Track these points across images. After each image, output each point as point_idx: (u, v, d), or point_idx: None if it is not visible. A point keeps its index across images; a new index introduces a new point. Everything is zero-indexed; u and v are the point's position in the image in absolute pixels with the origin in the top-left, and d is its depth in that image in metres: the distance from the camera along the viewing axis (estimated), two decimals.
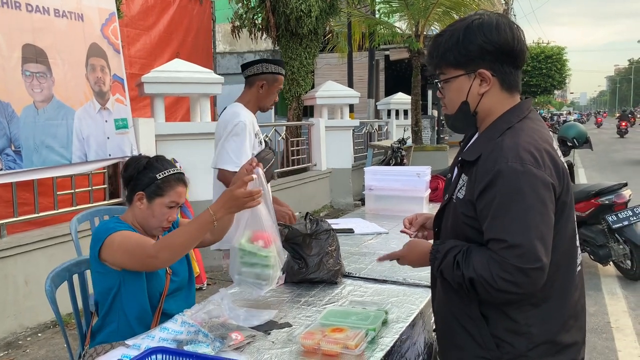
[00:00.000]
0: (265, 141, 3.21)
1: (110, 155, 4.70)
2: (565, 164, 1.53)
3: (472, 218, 1.49)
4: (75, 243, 3.29)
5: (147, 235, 2.15)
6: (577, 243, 1.58)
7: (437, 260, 1.54)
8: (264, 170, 3.03)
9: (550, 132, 1.60)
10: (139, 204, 2.10)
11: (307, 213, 2.45)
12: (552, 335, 1.50)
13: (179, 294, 2.17)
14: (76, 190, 4.65)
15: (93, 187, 4.83)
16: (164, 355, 1.45)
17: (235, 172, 2.85)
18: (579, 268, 1.58)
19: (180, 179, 2.15)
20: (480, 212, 1.46)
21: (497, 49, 1.48)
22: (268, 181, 3.10)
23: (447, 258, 1.50)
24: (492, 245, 1.41)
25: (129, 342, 1.74)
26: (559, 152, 1.56)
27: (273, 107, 3.21)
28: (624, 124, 27.08)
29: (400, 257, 1.74)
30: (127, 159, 2.21)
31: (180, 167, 5.34)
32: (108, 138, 4.68)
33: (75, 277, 2.38)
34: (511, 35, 1.49)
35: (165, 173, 2.10)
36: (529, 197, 1.38)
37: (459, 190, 1.54)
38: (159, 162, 2.16)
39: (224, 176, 2.96)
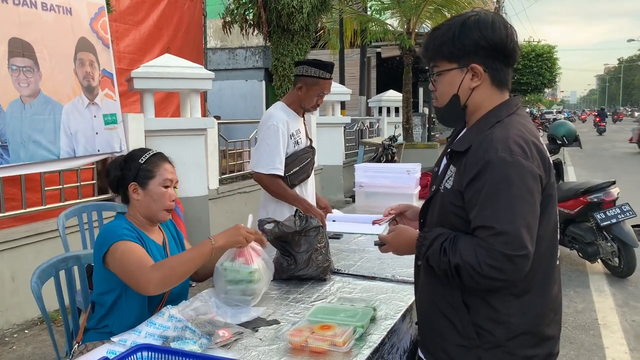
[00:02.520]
0: (310, 139, 3.26)
1: (99, 150, 4.65)
2: (551, 159, 1.56)
3: (459, 207, 1.53)
4: (62, 239, 3.26)
5: (155, 223, 2.17)
6: (558, 237, 1.62)
7: (424, 247, 1.57)
8: (299, 167, 3.12)
9: (540, 130, 1.63)
10: (135, 195, 2.10)
11: (296, 210, 2.44)
12: (531, 327, 1.54)
13: (179, 299, 2.16)
14: (64, 185, 4.62)
15: (81, 183, 4.79)
16: (150, 353, 1.44)
17: (269, 175, 3.01)
18: (557, 262, 1.63)
19: (163, 157, 2.18)
20: (468, 201, 1.49)
21: (491, 46, 1.53)
22: (303, 179, 3.18)
23: (434, 245, 1.54)
24: (480, 233, 1.45)
25: (115, 338, 1.73)
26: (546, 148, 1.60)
27: (316, 109, 3.24)
28: (598, 119, 33.11)
29: (386, 243, 1.75)
30: (107, 168, 2.20)
31: None
32: (97, 133, 4.63)
33: (62, 274, 2.36)
34: (505, 33, 1.54)
35: (147, 155, 2.13)
36: (517, 186, 1.43)
37: (446, 181, 1.59)
38: (136, 152, 2.18)
39: (259, 178, 3.07)
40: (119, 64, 5.12)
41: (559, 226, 1.64)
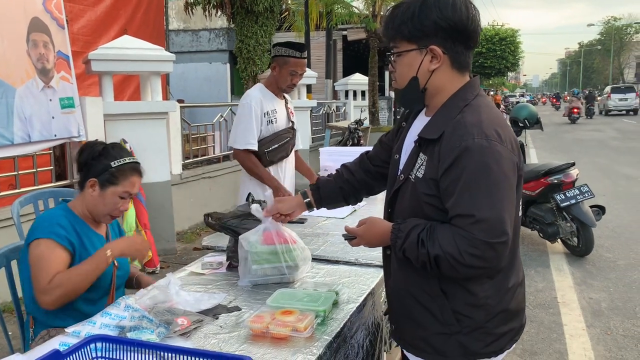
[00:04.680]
0: (292, 121, 3.42)
1: (55, 135, 4.49)
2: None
3: (433, 197, 1.49)
4: (17, 227, 3.15)
5: (96, 221, 2.11)
6: (520, 215, 1.63)
7: (400, 240, 1.52)
8: (278, 145, 3.27)
9: (503, 113, 1.62)
10: (90, 190, 2.04)
11: (249, 194, 2.41)
12: (505, 304, 1.56)
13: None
14: (19, 172, 4.45)
15: (38, 169, 4.63)
16: (104, 344, 1.39)
17: (244, 150, 3.19)
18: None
19: (135, 168, 2.10)
20: (444, 190, 1.45)
21: (451, 27, 1.48)
22: (282, 157, 3.37)
23: (410, 237, 1.49)
24: (459, 221, 1.42)
25: (69, 329, 1.67)
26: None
27: (293, 88, 3.37)
28: (554, 100, 45.24)
29: (356, 237, 1.69)
30: (83, 143, 2.13)
31: (130, 148, 5.21)
32: (53, 118, 4.46)
33: (14, 263, 2.27)
34: (466, 14, 1.49)
35: (120, 161, 2.04)
36: (496, 172, 1.41)
37: (417, 170, 1.53)
38: (115, 149, 2.10)
39: (236, 154, 3.30)
40: (72, 46, 4.90)
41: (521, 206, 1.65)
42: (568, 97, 40.47)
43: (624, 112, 30.95)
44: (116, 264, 2.13)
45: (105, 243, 2.11)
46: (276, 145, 3.29)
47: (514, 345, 1.63)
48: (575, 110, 25.70)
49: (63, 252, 1.95)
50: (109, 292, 2.07)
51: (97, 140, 2.14)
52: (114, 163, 2.03)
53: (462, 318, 1.52)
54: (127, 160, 2.07)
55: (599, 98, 33.85)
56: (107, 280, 2.08)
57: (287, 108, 3.42)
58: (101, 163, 2.03)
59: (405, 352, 1.70)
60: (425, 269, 1.49)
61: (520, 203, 1.61)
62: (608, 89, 33.15)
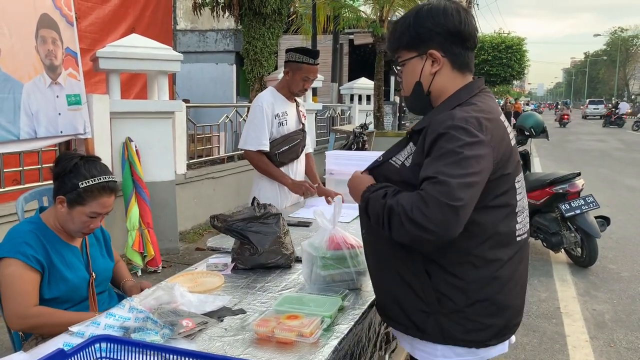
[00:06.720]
0: (302, 123, 3.51)
1: (62, 132, 4.48)
2: (519, 150, 1.58)
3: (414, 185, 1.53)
4: None
5: (68, 235, 2.07)
6: (521, 216, 1.65)
7: (368, 192, 1.60)
8: (288, 147, 3.36)
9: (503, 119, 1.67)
10: (60, 206, 2.01)
11: (253, 198, 2.40)
12: (490, 294, 1.59)
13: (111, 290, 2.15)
14: (25, 167, 4.45)
15: (43, 165, 4.63)
16: (109, 344, 1.38)
17: (256, 151, 3.27)
18: (524, 236, 1.67)
19: (105, 188, 2.02)
20: (422, 167, 1.51)
21: (445, 31, 1.60)
22: (292, 158, 3.46)
23: (379, 191, 1.57)
24: (423, 185, 1.45)
25: (73, 328, 1.66)
26: (511, 135, 1.64)
27: (305, 92, 3.44)
28: (554, 108, 44.89)
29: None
30: (59, 155, 2.07)
31: (135, 147, 5.20)
32: (59, 114, 4.45)
33: None
34: (458, 18, 1.60)
35: (88, 182, 1.98)
36: (467, 150, 1.44)
37: (406, 158, 1.61)
38: (87, 167, 2.02)
39: (247, 155, 3.37)
40: (80, 43, 4.90)
41: (525, 209, 1.68)
42: (559, 106, 48.45)
43: (597, 117, 42.91)
44: (93, 275, 2.11)
45: (80, 254, 2.11)
46: (286, 147, 3.37)
47: (500, 347, 1.64)
48: (565, 116, 32.70)
49: (32, 274, 1.92)
50: (86, 300, 2.06)
51: (74, 151, 2.09)
52: (82, 183, 1.97)
53: (443, 298, 1.57)
54: (96, 181, 1.99)
55: (581, 107, 47.33)
56: (82, 293, 2.07)
57: (298, 111, 3.50)
58: (70, 181, 1.98)
59: (392, 330, 1.74)
60: (378, 225, 1.54)
61: (518, 203, 1.63)
62: (586, 101, 47.83)
